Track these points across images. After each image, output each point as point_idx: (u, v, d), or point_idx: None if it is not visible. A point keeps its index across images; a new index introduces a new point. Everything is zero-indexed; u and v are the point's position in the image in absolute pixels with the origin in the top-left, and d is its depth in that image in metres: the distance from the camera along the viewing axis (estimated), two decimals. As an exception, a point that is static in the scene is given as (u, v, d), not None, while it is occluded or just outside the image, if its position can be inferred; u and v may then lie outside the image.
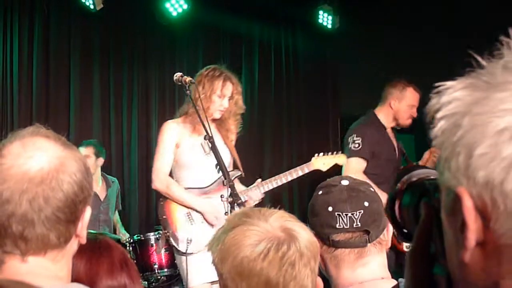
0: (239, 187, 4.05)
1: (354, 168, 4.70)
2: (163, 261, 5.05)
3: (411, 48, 6.31)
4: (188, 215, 3.98)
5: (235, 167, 4.17)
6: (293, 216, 1.49)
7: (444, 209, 0.72)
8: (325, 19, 6.84)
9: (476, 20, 5.45)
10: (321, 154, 4.34)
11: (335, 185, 1.84)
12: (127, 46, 6.47)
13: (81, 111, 6.22)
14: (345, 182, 1.84)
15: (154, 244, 5.07)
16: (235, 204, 3.40)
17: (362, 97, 6.09)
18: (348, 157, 4.74)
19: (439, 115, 0.71)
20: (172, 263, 5.09)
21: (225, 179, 3.42)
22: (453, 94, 0.70)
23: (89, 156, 5.34)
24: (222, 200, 3.98)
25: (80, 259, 1.62)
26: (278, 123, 7.35)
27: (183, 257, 3.93)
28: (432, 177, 0.86)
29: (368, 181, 3.99)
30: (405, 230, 0.87)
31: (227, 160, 4.11)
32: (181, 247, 3.93)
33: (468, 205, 0.67)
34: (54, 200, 1.26)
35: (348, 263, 1.78)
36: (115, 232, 5.76)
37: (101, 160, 5.59)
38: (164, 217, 4.02)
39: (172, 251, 5.08)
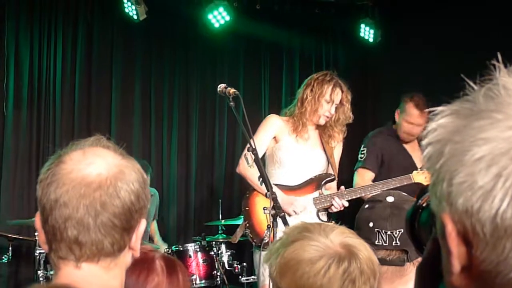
0: (327, 191, 4.08)
1: (359, 178, 4.76)
2: (201, 272, 5.04)
3: (450, 66, 6.22)
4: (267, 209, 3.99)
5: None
6: (353, 233, 1.47)
7: (438, 233, 0.74)
8: (366, 32, 6.79)
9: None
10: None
11: (380, 201, 1.85)
12: (169, 56, 6.51)
13: (122, 120, 6.27)
14: (390, 199, 1.84)
15: (192, 255, 5.07)
16: (277, 216, 3.37)
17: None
18: (356, 168, 4.76)
19: (425, 141, 0.73)
20: (210, 275, 5.08)
21: (268, 191, 3.39)
22: (439, 121, 0.72)
23: None
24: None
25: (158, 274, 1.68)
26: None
27: (257, 251, 3.94)
28: None
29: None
30: (424, 247, 0.86)
31: (321, 165, 4.13)
32: (257, 240, 3.93)
33: (450, 230, 0.69)
34: (111, 206, 1.27)
35: (388, 280, 1.77)
36: (151, 242, 5.76)
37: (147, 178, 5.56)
38: (246, 208, 4.05)
39: (210, 262, 5.08)
